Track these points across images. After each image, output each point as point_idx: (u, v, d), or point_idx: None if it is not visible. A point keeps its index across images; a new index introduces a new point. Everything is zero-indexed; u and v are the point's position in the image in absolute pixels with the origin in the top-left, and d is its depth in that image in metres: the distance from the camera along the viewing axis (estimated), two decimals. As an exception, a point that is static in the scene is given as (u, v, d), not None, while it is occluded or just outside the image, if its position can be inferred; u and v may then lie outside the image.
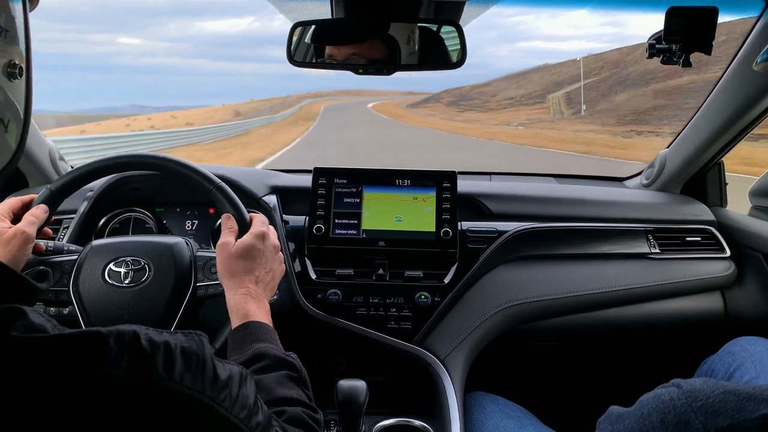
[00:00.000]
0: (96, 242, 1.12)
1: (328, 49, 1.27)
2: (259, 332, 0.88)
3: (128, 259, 1.07)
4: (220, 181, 1.11)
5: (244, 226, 1.04)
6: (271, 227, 1.06)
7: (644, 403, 0.53)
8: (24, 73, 0.54)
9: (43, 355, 0.44)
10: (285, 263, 1.07)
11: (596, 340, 1.77)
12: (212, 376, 0.51)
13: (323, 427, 0.80)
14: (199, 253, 1.13)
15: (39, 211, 1.05)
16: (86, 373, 0.44)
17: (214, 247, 1.45)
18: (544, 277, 1.48)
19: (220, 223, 1.50)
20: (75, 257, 1.09)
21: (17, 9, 0.54)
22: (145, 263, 1.07)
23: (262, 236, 1.00)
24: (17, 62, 0.53)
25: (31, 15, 0.64)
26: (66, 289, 1.05)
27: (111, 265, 1.06)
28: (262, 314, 0.92)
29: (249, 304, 0.92)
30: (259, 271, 0.97)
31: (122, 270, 1.06)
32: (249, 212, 1.09)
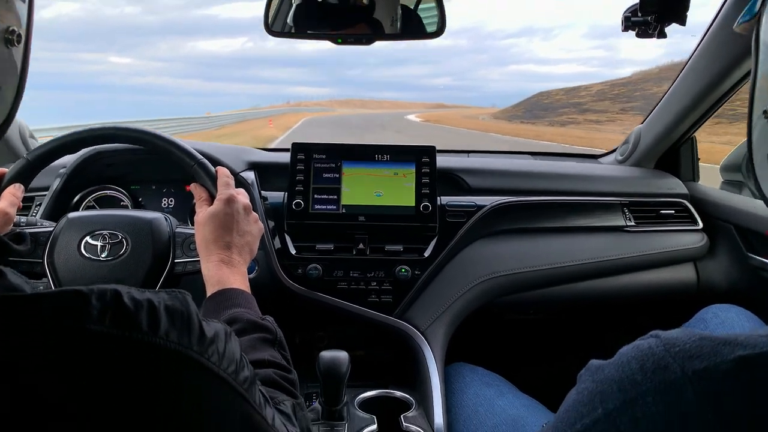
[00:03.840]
0: (72, 214, 1.09)
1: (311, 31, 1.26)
2: (233, 298, 0.87)
3: (105, 232, 1.05)
4: (201, 157, 1.10)
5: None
6: (240, 189, 1.04)
7: (623, 353, 0.54)
8: (23, 40, 0.52)
9: (21, 315, 0.42)
10: (263, 225, 1.05)
11: (573, 312, 1.80)
12: (198, 332, 0.50)
13: (299, 387, 0.80)
14: (178, 230, 1.11)
15: (18, 191, 1.04)
16: (67, 332, 0.43)
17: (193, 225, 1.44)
18: (522, 250, 1.50)
19: None
20: (50, 229, 1.07)
21: None
22: (122, 237, 1.05)
23: (229, 200, 0.98)
24: (16, 29, 0.51)
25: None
26: (40, 260, 1.03)
27: (87, 238, 1.04)
28: (237, 280, 0.91)
29: (222, 270, 0.91)
30: (231, 236, 0.95)
31: (99, 243, 1.04)
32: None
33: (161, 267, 1.06)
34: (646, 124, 1.77)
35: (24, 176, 1.08)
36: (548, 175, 1.62)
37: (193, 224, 1.43)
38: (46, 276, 1.03)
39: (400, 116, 63.64)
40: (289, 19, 1.27)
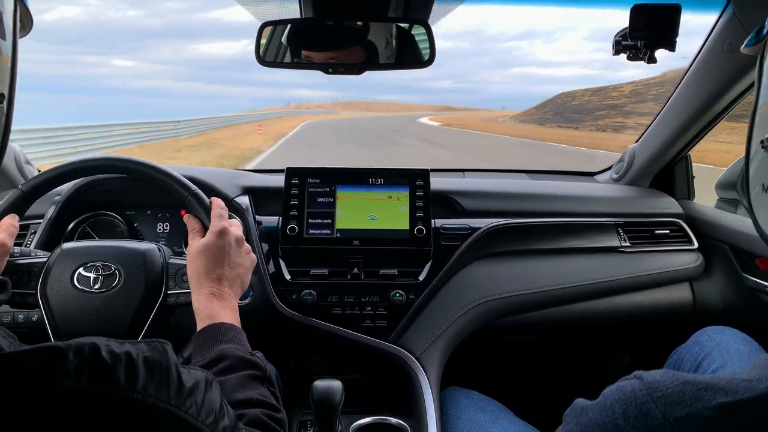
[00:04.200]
0: (66, 245, 1.10)
1: (305, 52, 1.26)
2: (223, 333, 0.86)
3: (98, 264, 1.05)
4: (195, 188, 1.09)
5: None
6: (234, 221, 1.04)
7: (607, 396, 0.54)
8: (5, 100, 0.52)
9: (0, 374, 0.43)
10: (257, 259, 1.04)
11: (569, 334, 1.80)
12: (177, 384, 0.50)
13: (287, 426, 0.80)
14: (171, 260, 1.11)
15: (15, 221, 1.04)
16: (46, 390, 0.43)
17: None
18: (518, 272, 1.50)
19: None
20: (44, 260, 1.07)
21: (5, 28, 0.52)
22: (115, 269, 1.06)
23: (221, 232, 0.98)
24: (1, 89, 0.51)
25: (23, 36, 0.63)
26: (33, 292, 1.03)
27: (80, 270, 1.04)
28: (227, 314, 0.90)
29: (213, 304, 0.90)
30: (222, 269, 0.94)
31: (92, 275, 1.04)
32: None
33: (154, 299, 1.06)
34: (641, 143, 1.78)
35: (18, 207, 1.08)
36: (543, 197, 1.62)
37: None
38: (39, 308, 1.03)
39: (412, 120, 55.22)
40: (284, 39, 1.27)
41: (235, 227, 1.02)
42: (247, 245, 1.02)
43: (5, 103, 0.52)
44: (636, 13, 1.16)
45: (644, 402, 0.50)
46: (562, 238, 1.56)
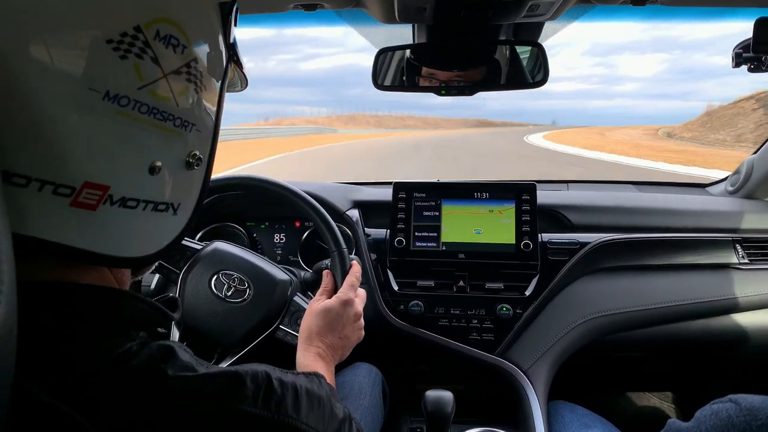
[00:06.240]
0: (219, 243, 1.20)
1: (429, 70, 1.28)
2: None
3: (236, 275, 1.15)
4: (345, 247, 1.13)
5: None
6: (361, 291, 1.06)
7: (702, 420, 0.53)
8: (204, 163, 0.57)
9: (190, 394, 0.49)
10: (363, 333, 1.05)
11: (680, 352, 1.73)
12: (330, 415, 0.57)
13: None
14: (295, 299, 1.18)
15: None
16: (227, 411, 0.49)
17: (302, 259, 1.52)
18: (627, 288, 1.47)
19: (307, 241, 1.57)
20: (199, 247, 1.17)
21: (211, 104, 0.57)
22: (248, 285, 1.14)
23: (346, 303, 1.00)
24: (199, 154, 0.56)
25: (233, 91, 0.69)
26: (177, 272, 1.14)
27: (220, 275, 1.14)
28: (328, 376, 0.92)
29: (318, 363, 0.93)
30: (333, 337, 0.97)
31: (227, 283, 1.14)
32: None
33: (266, 326, 1.13)
34: (760, 154, 1.69)
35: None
36: (653, 211, 1.58)
37: (302, 258, 1.53)
38: (175, 286, 1.13)
39: (517, 137, 36.38)
40: (411, 59, 1.26)
41: (360, 300, 1.05)
42: (361, 321, 1.04)
43: (203, 166, 0.58)
44: (761, 25, 1.12)
45: (743, 429, 0.49)
46: (675, 253, 1.51)
